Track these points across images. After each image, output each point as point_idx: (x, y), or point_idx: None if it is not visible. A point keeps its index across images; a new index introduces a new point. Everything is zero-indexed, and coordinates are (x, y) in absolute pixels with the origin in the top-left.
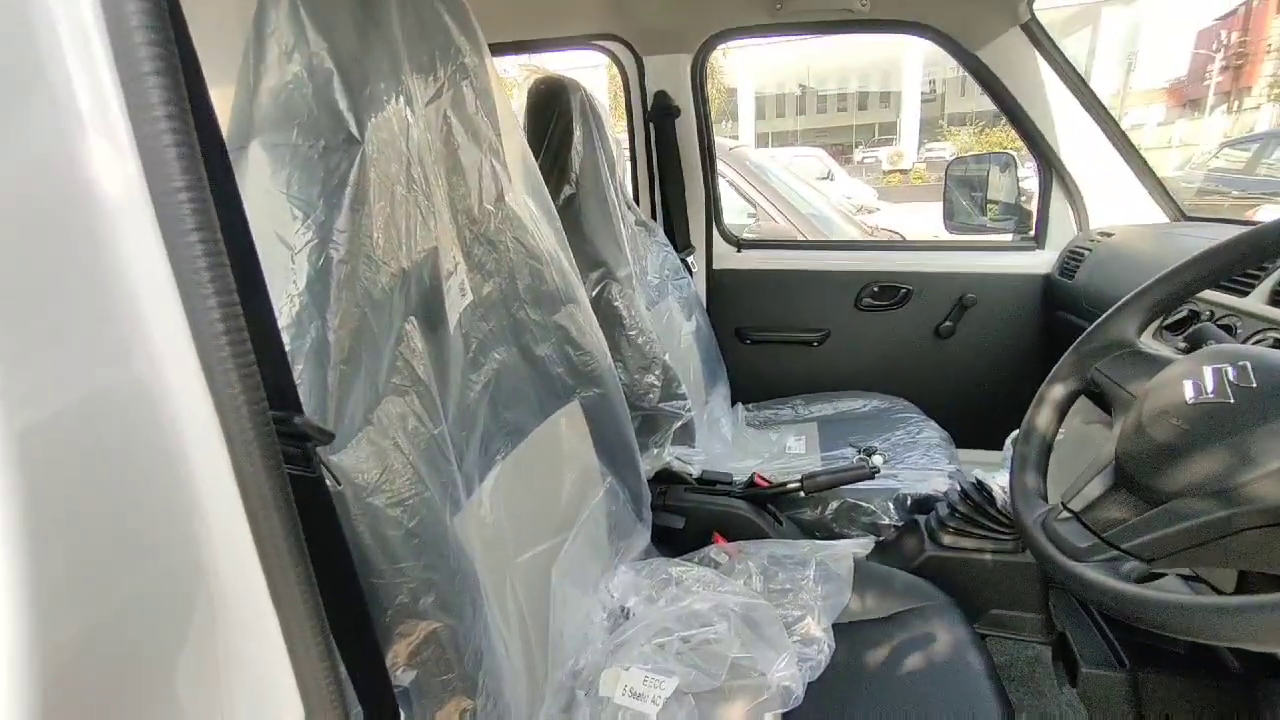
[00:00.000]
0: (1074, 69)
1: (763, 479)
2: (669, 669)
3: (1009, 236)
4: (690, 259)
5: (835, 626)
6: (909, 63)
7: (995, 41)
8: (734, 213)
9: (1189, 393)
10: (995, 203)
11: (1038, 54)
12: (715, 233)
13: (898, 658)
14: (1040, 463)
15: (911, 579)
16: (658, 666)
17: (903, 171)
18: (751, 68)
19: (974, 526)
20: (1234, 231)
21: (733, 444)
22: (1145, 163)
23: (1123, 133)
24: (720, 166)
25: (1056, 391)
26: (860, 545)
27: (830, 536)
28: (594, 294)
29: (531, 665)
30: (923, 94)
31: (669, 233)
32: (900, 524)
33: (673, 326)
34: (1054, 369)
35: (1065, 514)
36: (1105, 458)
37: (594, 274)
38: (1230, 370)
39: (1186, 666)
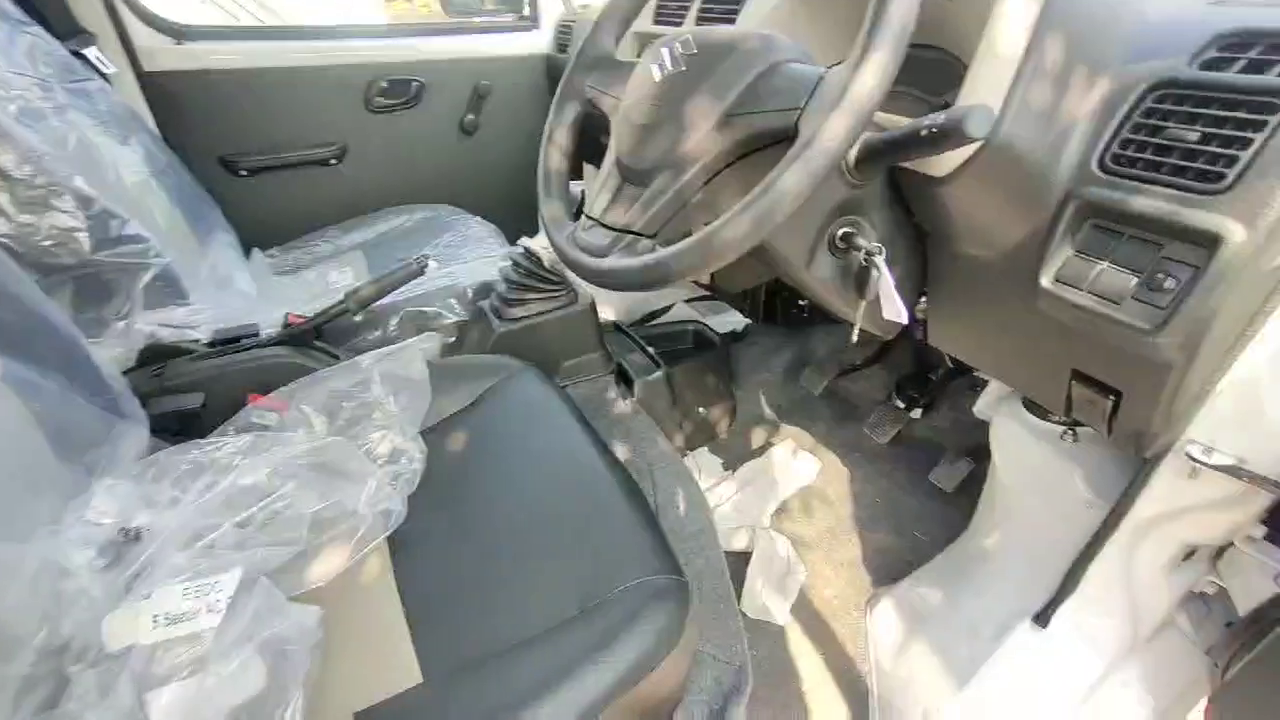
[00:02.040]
0: None
1: (298, 316)
2: (222, 565)
3: (510, 17)
4: (93, 53)
5: (426, 432)
6: None
7: None
8: None
9: (656, 73)
10: None
11: None
12: (128, 12)
13: (494, 431)
14: (562, 189)
15: (488, 359)
16: (203, 570)
17: None
18: None
19: (531, 293)
20: None
21: (258, 297)
22: None
23: None
24: None
25: (559, 120)
26: (427, 341)
27: None
28: None
29: None
30: None
31: (38, 12)
32: (467, 317)
33: (92, 154)
34: (553, 101)
35: (589, 223)
36: (611, 160)
37: None
38: (678, 45)
39: (692, 356)
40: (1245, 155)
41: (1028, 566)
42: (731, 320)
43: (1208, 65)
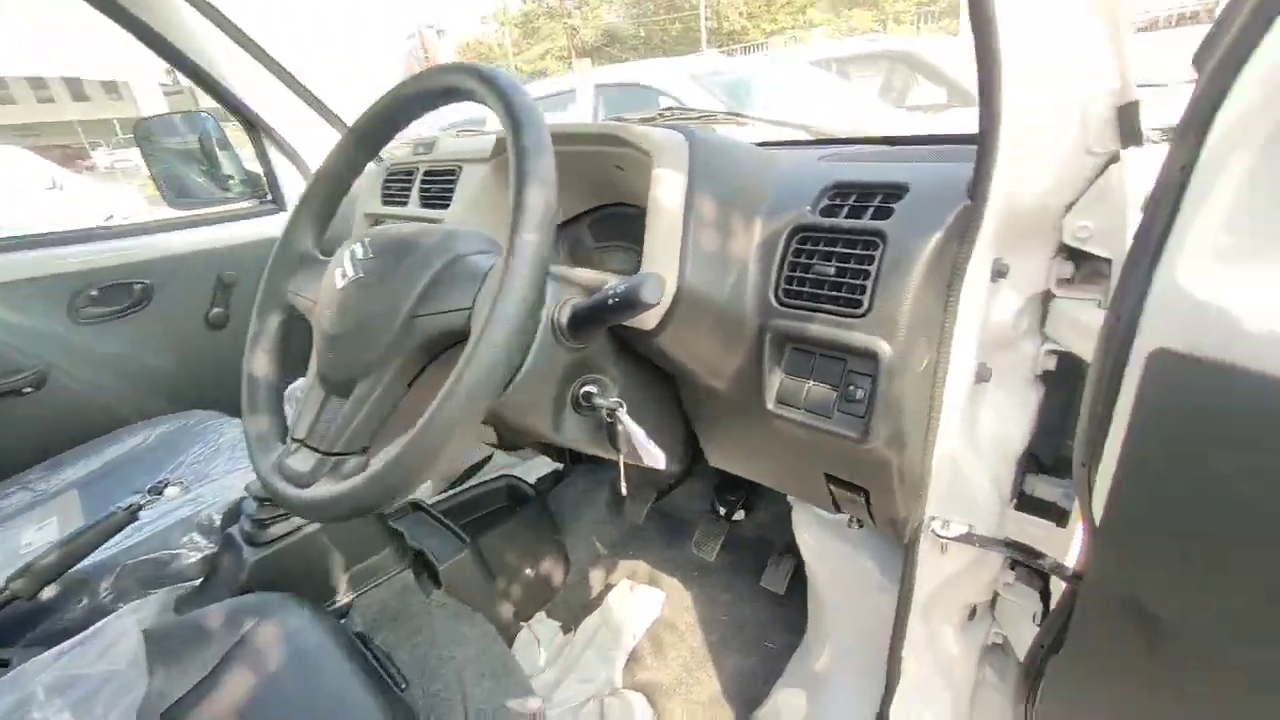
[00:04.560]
0: (228, 19)
1: None
2: None
3: (250, 203)
4: None
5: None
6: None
7: None
8: None
9: (339, 279)
10: (212, 168)
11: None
12: None
13: (238, 708)
14: (272, 403)
15: (235, 603)
16: None
17: None
18: None
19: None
20: None
21: None
22: (333, 114)
23: (298, 82)
24: None
25: (264, 326)
26: (139, 609)
27: None
28: None
29: None
30: (164, 86)
31: None
32: (216, 548)
33: None
34: (255, 307)
35: (294, 445)
36: (313, 373)
37: None
38: (358, 248)
39: (507, 516)
40: (869, 284)
41: (858, 662)
42: (551, 462)
43: (826, 211)
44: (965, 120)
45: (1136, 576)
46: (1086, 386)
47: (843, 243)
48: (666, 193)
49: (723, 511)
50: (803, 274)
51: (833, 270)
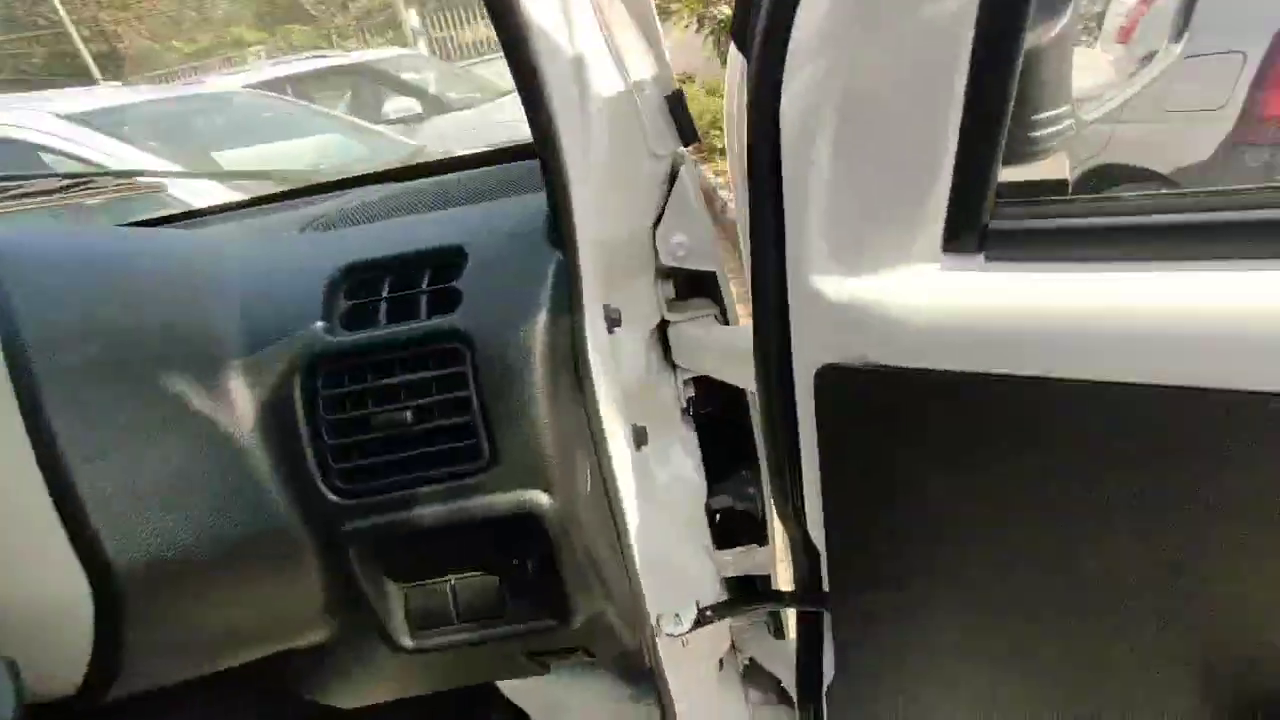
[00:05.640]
0: None
1: None
2: None
3: None
4: None
5: None
6: None
7: None
8: None
9: None
10: None
11: None
12: None
13: None
14: None
15: None
16: None
17: None
18: None
19: None
20: None
21: None
22: None
23: None
24: None
25: None
26: None
27: None
28: None
29: None
30: None
31: None
32: None
33: None
34: None
35: None
36: None
37: None
38: None
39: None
40: (475, 419)
41: None
42: None
43: (351, 320)
44: (448, 129)
45: (868, 587)
46: (758, 414)
47: (402, 365)
48: None
49: None
50: (355, 436)
51: (409, 416)
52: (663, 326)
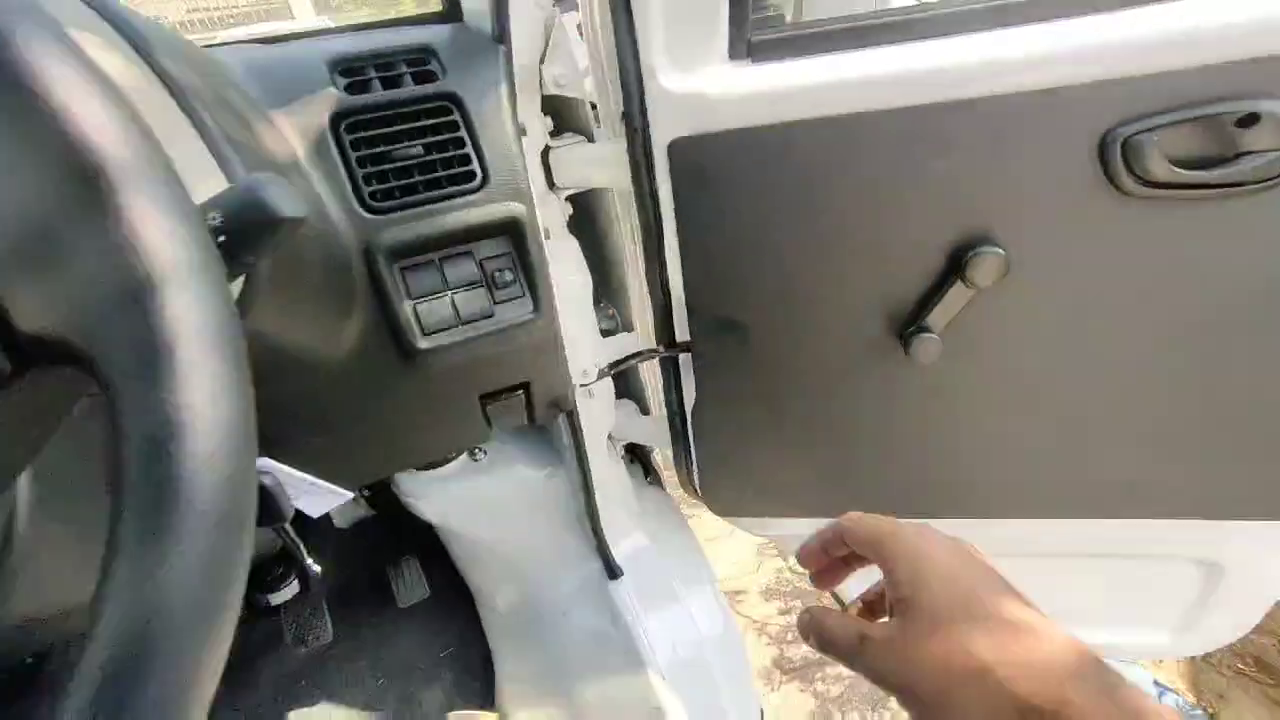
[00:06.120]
0: None
1: None
2: None
3: None
4: None
5: None
6: None
7: None
8: None
9: None
10: None
11: None
12: None
13: None
14: None
15: None
16: None
17: None
18: None
19: None
20: None
21: None
22: None
23: None
24: None
25: None
26: None
27: None
28: None
29: None
30: None
31: None
32: None
33: None
34: None
35: None
36: None
37: None
38: None
39: None
40: (470, 151)
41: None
42: None
43: (353, 90)
44: None
45: (721, 327)
46: (632, 198)
47: (402, 119)
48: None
49: (274, 597)
50: (381, 166)
51: (420, 149)
52: (545, 155)
